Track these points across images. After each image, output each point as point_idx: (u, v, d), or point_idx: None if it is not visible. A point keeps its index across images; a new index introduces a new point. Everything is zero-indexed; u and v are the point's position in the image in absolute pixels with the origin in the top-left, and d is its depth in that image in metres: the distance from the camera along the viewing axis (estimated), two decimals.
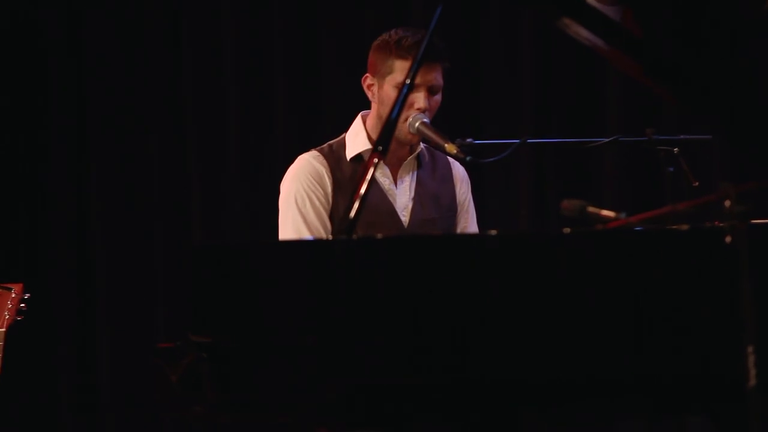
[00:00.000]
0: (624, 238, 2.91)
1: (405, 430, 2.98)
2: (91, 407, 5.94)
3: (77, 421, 5.95)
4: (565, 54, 5.46)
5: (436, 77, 3.83)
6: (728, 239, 2.69)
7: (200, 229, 5.87)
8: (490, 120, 5.56)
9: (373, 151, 3.23)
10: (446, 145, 3.73)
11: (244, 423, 3.14)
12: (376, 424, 2.95)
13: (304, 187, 3.89)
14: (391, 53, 3.83)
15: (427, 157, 4.01)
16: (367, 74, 3.91)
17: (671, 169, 3.98)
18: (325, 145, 3.98)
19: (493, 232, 2.93)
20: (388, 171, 3.94)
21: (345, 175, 3.89)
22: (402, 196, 3.94)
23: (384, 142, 3.25)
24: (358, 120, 3.98)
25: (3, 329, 4.30)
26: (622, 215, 3.01)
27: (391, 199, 3.92)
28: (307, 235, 3.84)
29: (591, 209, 3.04)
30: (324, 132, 4.58)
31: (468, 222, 4.06)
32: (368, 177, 3.15)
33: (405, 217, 3.92)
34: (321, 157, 3.93)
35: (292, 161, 3.98)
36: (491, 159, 3.91)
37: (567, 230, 2.88)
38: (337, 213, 3.86)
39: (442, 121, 3.92)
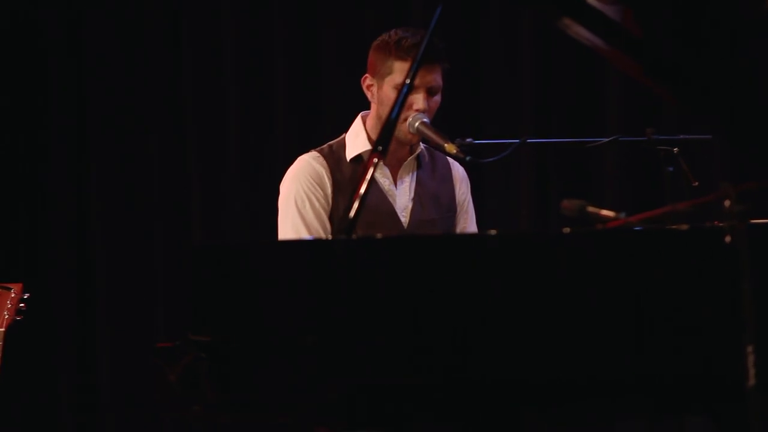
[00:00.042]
0: (624, 237, 2.91)
1: (405, 430, 2.98)
2: (91, 407, 5.94)
3: (77, 421, 5.95)
4: (565, 54, 5.46)
5: (436, 78, 3.82)
6: (728, 239, 2.69)
7: (200, 229, 5.87)
8: (490, 120, 5.56)
9: (373, 152, 3.23)
10: (446, 145, 3.72)
11: (244, 423, 3.14)
12: (376, 424, 2.95)
13: (304, 189, 3.89)
14: (390, 54, 3.83)
15: (426, 157, 4.00)
16: (367, 75, 3.91)
17: (671, 168, 3.98)
18: (324, 145, 3.98)
19: (493, 231, 2.93)
20: (387, 171, 3.94)
21: (345, 176, 3.89)
22: (402, 196, 3.94)
23: (383, 143, 3.25)
24: (358, 120, 3.98)
25: (2, 329, 4.30)
26: (622, 215, 3.01)
27: (390, 199, 3.92)
28: (306, 237, 3.84)
29: (591, 209, 3.04)
30: (324, 132, 4.58)
31: (467, 222, 4.06)
32: (368, 177, 3.16)
33: (405, 217, 3.92)
34: (321, 158, 3.93)
35: (292, 161, 3.98)
36: (491, 159, 3.91)
37: (567, 230, 2.88)
38: (337, 214, 3.86)
39: (442, 121, 3.92)
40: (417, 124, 3.79)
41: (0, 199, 5.96)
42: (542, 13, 3.90)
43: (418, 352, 2.84)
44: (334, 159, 3.92)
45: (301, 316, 2.88)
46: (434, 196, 3.97)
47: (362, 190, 3.13)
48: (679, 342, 2.83)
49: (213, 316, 2.94)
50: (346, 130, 4.00)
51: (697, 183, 3.98)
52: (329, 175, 3.90)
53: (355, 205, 3.11)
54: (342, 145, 3.95)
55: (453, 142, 3.73)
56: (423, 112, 3.81)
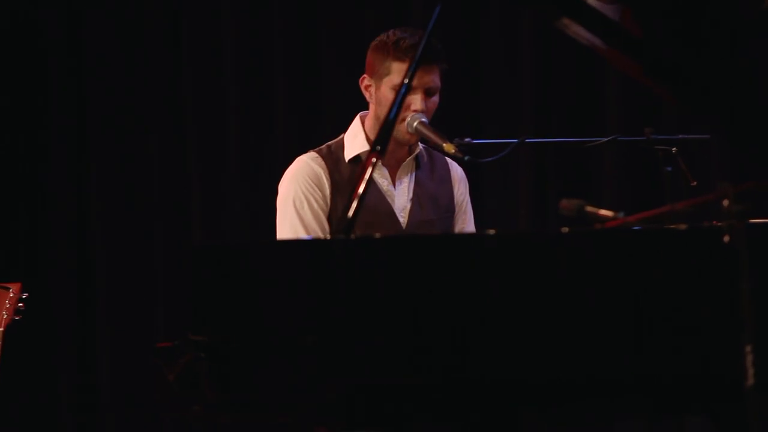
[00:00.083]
0: (623, 237, 2.91)
1: (405, 430, 2.98)
2: (91, 407, 5.94)
3: (77, 421, 5.95)
4: (565, 54, 5.46)
5: (434, 79, 3.82)
6: (726, 239, 2.69)
7: (200, 229, 5.87)
8: (490, 120, 5.56)
9: (371, 151, 3.23)
10: (444, 144, 3.72)
11: (244, 423, 3.14)
12: (376, 424, 2.95)
13: (302, 190, 3.89)
14: (388, 54, 3.83)
15: (425, 158, 4.00)
16: (365, 75, 3.90)
17: (669, 168, 3.98)
18: (323, 146, 3.98)
19: (492, 231, 2.93)
20: (386, 172, 3.93)
21: (343, 177, 3.88)
22: (400, 197, 3.94)
23: (382, 142, 3.25)
24: (356, 121, 3.98)
25: (1, 329, 4.30)
26: (621, 215, 3.01)
27: (389, 200, 3.92)
28: (305, 237, 3.84)
29: (589, 209, 3.04)
30: (324, 132, 4.58)
31: (466, 223, 4.05)
32: (366, 177, 3.15)
33: (403, 218, 3.92)
34: (319, 159, 3.92)
35: (292, 161, 3.97)
36: (490, 158, 3.91)
37: (565, 230, 2.88)
38: (335, 215, 3.85)
39: (441, 121, 3.92)
40: (415, 123, 3.79)
41: (0, 199, 5.96)
42: (542, 13, 3.89)
43: (417, 352, 2.84)
44: (333, 160, 3.92)
45: (300, 316, 2.88)
46: (433, 196, 3.97)
47: (360, 189, 3.13)
48: (677, 342, 2.83)
49: (213, 316, 2.94)
50: (345, 130, 4.00)
51: (695, 183, 3.98)
52: (328, 175, 3.90)
53: (354, 204, 3.11)
54: (340, 146, 3.95)
55: (451, 142, 3.73)
56: (421, 112, 3.80)
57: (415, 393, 2.92)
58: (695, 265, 2.84)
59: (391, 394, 2.92)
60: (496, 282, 2.85)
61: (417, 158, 3.97)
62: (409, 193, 3.95)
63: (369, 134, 3.93)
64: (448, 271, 2.85)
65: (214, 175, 5.87)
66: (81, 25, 5.99)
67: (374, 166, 3.19)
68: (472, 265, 2.85)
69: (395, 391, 2.92)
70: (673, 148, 4.01)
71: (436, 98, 3.85)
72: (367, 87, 3.90)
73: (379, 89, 3.85)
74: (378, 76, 3.85)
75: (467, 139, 3.90)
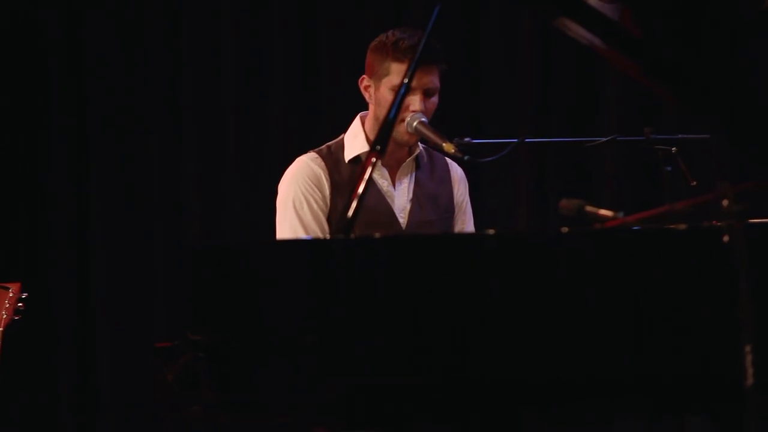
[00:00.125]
0: (622, 237, 2.91)
1: (405, 430, 2.98)
2: (91, 407, 5.94)
3: (77, 421, 5.95)
4: (565, 54, 5.46)
5: (432, 80, 3.82)
6: (726, 239, 2.69)
7: (200, 229, 5.87)
8: (490, 120, 5.56)
9: (371, 151, 3.23)
10: (444, 144, 3.72)
11: (244, 423, 3.14)
12: (376, 424, 2.95)
13: (302, 190, 3.89)
14: (387, 55, 3.83)
15: (425, 158, 4.00)
16: (364, 76, 3.90)
17: (669, 168, 3.98)
18: (323, 146, 3.98)
19: (491, 231, 2.93)
20: (386, 173, 3.93)
21: (343, 177, 3.88)
22: (400, 197, 3.94)
23: (381, 142, 3.25)
24: (356, 121, 3.98)
25: (0, 329, 4.30)
26: (620, 214, 3.01)
27: (389, 200, 3.92)
28: (305, 237, 3.84)
29: (589, 208, 3.04)
30: (324, 132, 4.58)
31: (465, 223, 4.05)
32: (366, 176, 3.16)
33: (403, 218, 3.92)
34: (319, 159, 3.92)
35: (291, 161, 3.97)
36: (489, 158, 3.91)
37: (565, 229, 2.88)
38: (335, 215, 3.85)
39: (441, 121, 3.92)
40: (415, 123, 3.79)
41: (0, 199, 5.96)
42: (542, 13, 3.89)
43: (417, 352, 2.84)
44: (333, 160, 3.92)
45: (300, 316, 2.88)
46: (432, 197, 3.97)
47: (360, 189, 3.13)
48: (677, 342, 2.83)
49: (213, 316, 2.94)
50: (345, 130, 4.00)
51: (695, 182, 3.98)
52: (327, 176, 3.90)
53: (354, 204, 3.11)
54: (340, 146, 3.95)
55: (451, 142, 3.73)
56: (420, 112, 3.80)
57: (415, 393, 2.92)
58: (695, 265, 2.84)
59: (391, 394, 2.92)
60: (496, 282, 2.85)
61: (417, 159, 3.97)
62: (408, 193, 3.95)
63: (369, 135, 3.92)
64: (448, 271, 2.85)
65: (214, 175, 5.87)
66: (81, 25, 5.99)
67: (374, 166, 3.19)
68: (472, 265, 2.85)
69: (395, 391, 2.92)
70: (673, 148, 4.01)
71: (435, 99, 3.85)
72: (366, 87, 3.90)
73: (378, 90, 3.85)
74: (377, 77, 3.85)
75: (467, 139, 3.90)
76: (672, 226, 2.92)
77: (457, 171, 4.06)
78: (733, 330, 2.69)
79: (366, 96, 3.92)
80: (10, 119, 5.98)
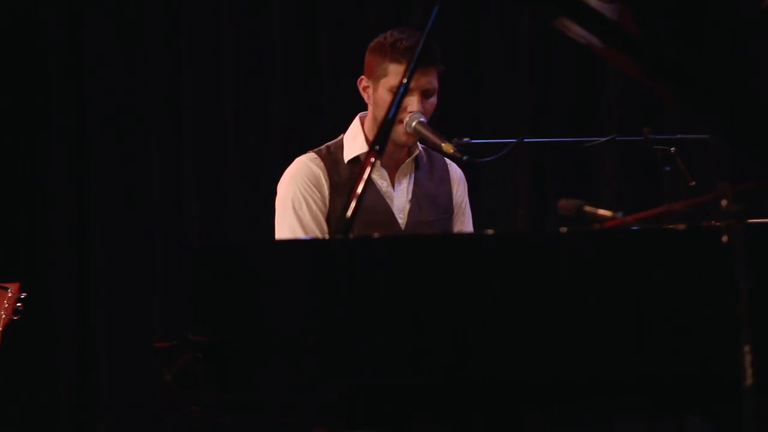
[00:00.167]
0: (621, 237, 2.91)
1: (405, 430, 2.99)
2: (91, 407, 5.94)
3: (77, 421, 5.95)
4: (565, 54, 5.46)
5: (430, 81, 3.81)
6: (725, 239, 2.69)
7: (200, 229, 5.87)
8: (489, 120, 5.56)
9: (370, 151, 3.23)
10: (443, 144, 3.72)
11: (244, 423, 3.14)
12: (376, 424, 2.95)
13: (301, 191, 3.88)
14: (385, 56, 3.83)
15: (424, 159, 4.00)
16: (363, 76, 3.91)
17: (668, 168, 3.98)
18: (322, 146, 3.97)
19: (490, 231, 2.94)
20: (385, 173, 3.93)
21: (342, 178, 3.88)
22: (399, 198, 3.94)
23: (380, 142, 3.26)
24: (356, 122, 3.98)
25: None
26: (619, 214, 3.01)
27: (388, 200, 3.92)
28: (304, 237, 3.84)
29: (588, 208, 3.04)
30: (324, 132, 4.58)
31: (464, 224, 4.05)
32: (365, 176, 3.16)
33: (402, 219, 3.92)
34: (318, 160, 3.92)
35: (291, 161, 3.97)
36: (488, 158, 3.90)
37: (564, 229, 2.88)
38: (334, 216, 3.85)
39: (441, 121, 3.92)
40: (414, 123, 3.79)
41: (0, 199, 5.96)
42: (542, 13, 3.89)
43: (417, 352, 2.84)
44: (332, 160, 3.92)
45: (301, 316, 2.88)
46: (432, 197, 3.97)
47: (359, 189, 3.13)
48: (677, 342, 2.83)
49: (213, 316, 2.94)
50: (344, 130, 4.00)
51: (694, 182, 3.99)
52: (326, 176, 3.90)
53: (353, 204, 3.11)
54: (340, 147, 3.95)
55: (450, 142, 3.73)
56: (418, 113, 3.80)
57: (415, 393, 2.93)
58: (694, 265, 2.85)
59: (392, 394, 2.92)
60: (496, 282, 2.85)
61: (416, 159, 3.97)
62: (408, 194, 3.95)
63: (368, 135, 3.92)
64: (448, 270, 2.85)
65: (214, 175, 5.87)
66: (81, 25, 6.00)
67: (373, 166, 3.20)
68: (472, 265, 2.86)
69: (396, 391, 2.92)
70: (672, 148, 4.02)
71: (433, 100, 3.85)
72: (365, 88, 3.90)
73: (377, 91, 3.85)
74: (375, 78, 3.85)
75: (466, 139, 3.90)
76: (671, 226, 2.92)
77: (456, 171, 4.06)
78: (732, 330, 2.69)
79: (365, 97, 3.92)
80: (10, 119, 5.98)
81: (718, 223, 2.73)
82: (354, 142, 3.93)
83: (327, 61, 5.75)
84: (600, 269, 2.86)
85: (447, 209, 4.00)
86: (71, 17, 6.00)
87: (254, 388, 2.93)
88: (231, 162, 5.85)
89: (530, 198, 5.50)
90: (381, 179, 3.92)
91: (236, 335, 2.91)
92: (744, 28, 3.09)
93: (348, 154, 3.92)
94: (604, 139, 4.24)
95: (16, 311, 4.30)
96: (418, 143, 3.93)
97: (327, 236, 3.82)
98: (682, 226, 2.89)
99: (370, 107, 3.92)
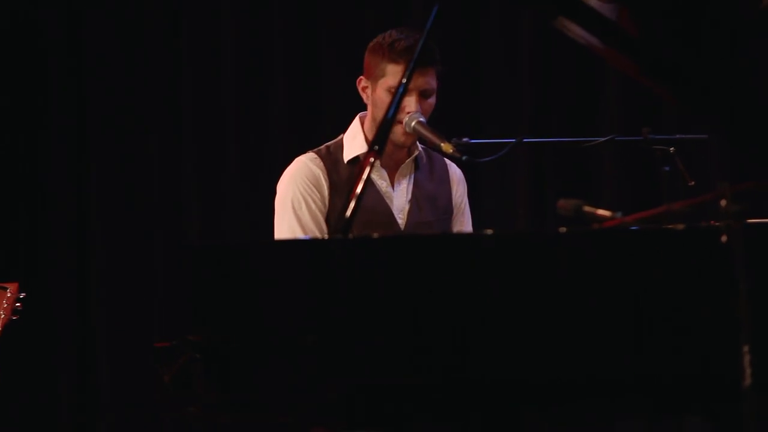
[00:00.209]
0: (621, 237, 2.91)
1: (405, 430, 2.99)
2: (91, 407, 5.94)
3: (77, 421, 5.95)
4: (565, 54, 5.46)
5: (429, 81, 3.81)
6: (724, 239, 2.69)
7: (200, 229, 5.87)
8: (489, 120, 5.56)
9: (369, 151, 3.23)
10: (442, 144, 3.72)
11: (244, 423, 3.14)
12: (376, 424, 2.95)
13: (301, 191, 3.88)
14: (384, 56, 3.83)
15: (424, 159, 4.00)
16: (362, 76, 3.91)
17: (667, 168, 3.98)
18: (322, 146, 3.97)
19: (490, 231, 2.94)
20: (385, 174, 3.93)
21: (342, 178, 3.88)
22: (399, 198, 3.94)
23: (379, 142, 3.26)
24: (356, 122, 3.98)
25: None
26: (618, 214, 3.01)
27: (387, 201, 3.92)
28: (304, 237, 3.84)
29: (587, 209, 3.04)
30: (324, 132, 4.57)
31: (464, 225, 4.05)
32: (364, 176, 3.16)
33: (401, 219, 3.92)
34: (318, 160, 3.92)
35: (291, 161, 3.97)
36: (487, 158, 3.90)
37: (563, 229, 2.88)
38: (333, 216, 3.85)
39: (441, 121, 3.92)
40: (413, 123, 3.79)
41: (0, 199, 5.96)
42: (542, 13, 3.90)
43: (417, 352, 2.84)
44: (332, 160, 3.92)
45: (300, 316, 2.88)
46: (431, 198, 3.97)
47: (359, 189, 3.14)
48: (677, 342, 2.83)
49: (213, 316, 2.94)
50: (344, 130, 4.00)
51: (693, 182, 3.99)
52: (326, 176, 3.90)
53: (352, 204, 3.11)
54: (339, 147, 3.95)
55: (449, 142, 3.72)
56: (417, 113, 3.80)
57: (415, 393, 2.93)
58: (694, 265, 2.85)
59: (391, 394, 2.92)
60: (496, 282, 2.85)
61: (416, 160, 3.97)
62: (407, 194, 3.95)
63: (368, 135, 3.92)
64: (447, 270, 2.85)
65: (214, 176, 5.87)
66: (81, 25, 6.00)
67: (372, 166, 3.20)
68: (472, 265, 2.86)
69: (395, 391, 2.92)
70: (671, 148, 4.02)
71: (432, 100, 3.84)
72: (364, 88, 3.91)
73: (375, 91, 3.85)
74: (374, 78, 3.85)
75: (465, 139, 3.90)
76: (670, 227, 2.92)
77: (456, 172, 4.06)
78: (732, 330, 2.69)
79: (364, 97, 3.92)
80: (10, 119, 5.98)
81: (717, 223, 2.73)
82: (354, 142, 3.93)
83: (327, 61, 5.75)
84: (599, 269, 2.86)
85: (446, 210, 4.00)
86: (71, 17, 6.00)
87: (254, 388, 2.93)
88: (231, 162, 5.85)
89: (530, 198, 5.50)
90: (380, 179, 3.92)
91: (236, 335, 2.91)
92: (743, 28, 3.09)
93: (348, 154, 3.92)
94: (603, 139, 4.24)
95: (15, 311, 4.30)
96: (417, 143, 3.93)
97: (326, 236, 3.82)
98: (681, 226, 2.89)
99: (369, 107, 3.92)
